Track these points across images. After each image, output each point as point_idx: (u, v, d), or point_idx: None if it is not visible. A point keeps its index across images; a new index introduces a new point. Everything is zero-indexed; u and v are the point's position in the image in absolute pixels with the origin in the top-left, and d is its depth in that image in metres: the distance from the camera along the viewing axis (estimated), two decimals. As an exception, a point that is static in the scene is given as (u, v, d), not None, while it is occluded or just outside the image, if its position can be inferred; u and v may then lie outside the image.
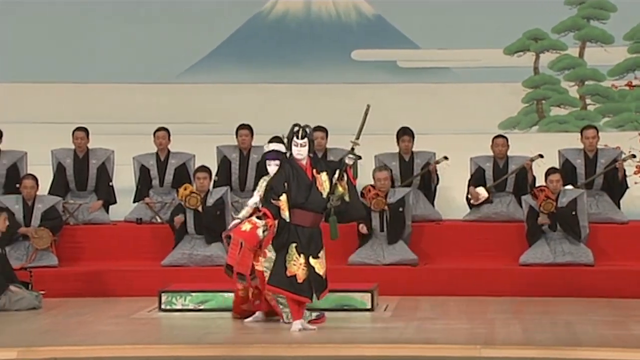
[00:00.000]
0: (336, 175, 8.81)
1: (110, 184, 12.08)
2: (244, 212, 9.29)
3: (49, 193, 11.87)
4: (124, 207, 12.11)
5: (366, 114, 8.81)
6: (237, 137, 12.15)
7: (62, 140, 12.14)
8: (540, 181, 11.69)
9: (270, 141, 9.35)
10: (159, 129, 12.14)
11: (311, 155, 8.96)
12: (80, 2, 13.35)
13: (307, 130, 8.82)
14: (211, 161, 12.01)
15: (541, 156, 11.84)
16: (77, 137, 12.08)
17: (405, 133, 12.03)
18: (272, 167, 9.10)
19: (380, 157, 11.98)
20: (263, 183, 9.21)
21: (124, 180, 12.26)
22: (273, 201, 8.76)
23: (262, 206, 8.90)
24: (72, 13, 13.34)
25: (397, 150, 12.07)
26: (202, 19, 13.35)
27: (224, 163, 12.13)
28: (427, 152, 12.08)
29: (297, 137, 8.81)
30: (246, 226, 8.81)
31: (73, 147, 12.11)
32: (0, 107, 13.14)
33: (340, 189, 8.84)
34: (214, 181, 11.87)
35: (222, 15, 13.36)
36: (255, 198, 9.30)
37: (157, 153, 12.19)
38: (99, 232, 11.77)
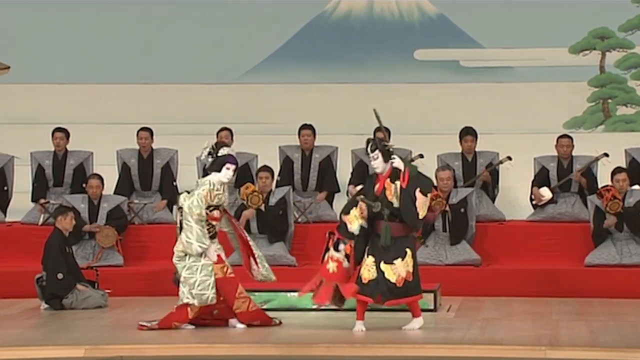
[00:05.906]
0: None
1: (175, 183, 12.17)
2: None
3: (115, 193, 12.00)
4: (188, 207, 12.17)
5: (377, 116, 8.93)
6: (299, 137, 12.18)
7: (127, 140, 12.27)
8: (606, 181, 11.54)
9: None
10: (221, 130, 12.20)
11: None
12: (147, 5, 13.46)
13: (377, 143, 8.92)
14: (273, 161, 12.04)
15: (606, 155, 11.68)
16: (142, 138, 12.20)
17: (468, 133, 11.96)
18: (230, 171, 9.07)
19: (443, 157, 11.92)
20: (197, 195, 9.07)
21: (188, 180, 12.33)
22: (343, 217, 8.87)
23: (337, 231, 8.99)
24: (138, 16, 13.47)
25: (459, 150, 12.01)
26: (265, 19, 13.38)
27: (286, 163, 12.17)
28: (490, 152, 12.00)
29: (367, 151, 8.97)
30: (332, 267, 8.81)
31: (137, 147, 12.24)
32: (67, 108, 13.32)
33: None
34: (277, 181, 11.91)
35: (285, 15, 13.38)
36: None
37: (219, 153, 12.26)
38: (163, 231, 11.83)
